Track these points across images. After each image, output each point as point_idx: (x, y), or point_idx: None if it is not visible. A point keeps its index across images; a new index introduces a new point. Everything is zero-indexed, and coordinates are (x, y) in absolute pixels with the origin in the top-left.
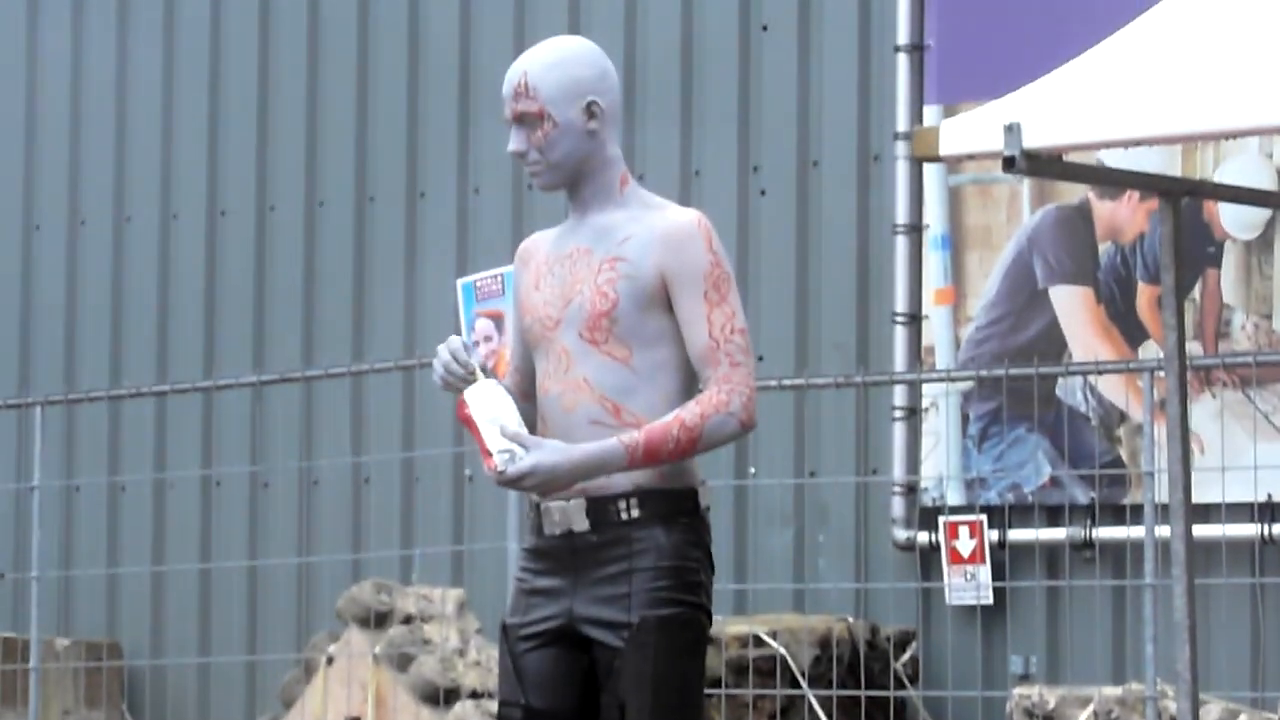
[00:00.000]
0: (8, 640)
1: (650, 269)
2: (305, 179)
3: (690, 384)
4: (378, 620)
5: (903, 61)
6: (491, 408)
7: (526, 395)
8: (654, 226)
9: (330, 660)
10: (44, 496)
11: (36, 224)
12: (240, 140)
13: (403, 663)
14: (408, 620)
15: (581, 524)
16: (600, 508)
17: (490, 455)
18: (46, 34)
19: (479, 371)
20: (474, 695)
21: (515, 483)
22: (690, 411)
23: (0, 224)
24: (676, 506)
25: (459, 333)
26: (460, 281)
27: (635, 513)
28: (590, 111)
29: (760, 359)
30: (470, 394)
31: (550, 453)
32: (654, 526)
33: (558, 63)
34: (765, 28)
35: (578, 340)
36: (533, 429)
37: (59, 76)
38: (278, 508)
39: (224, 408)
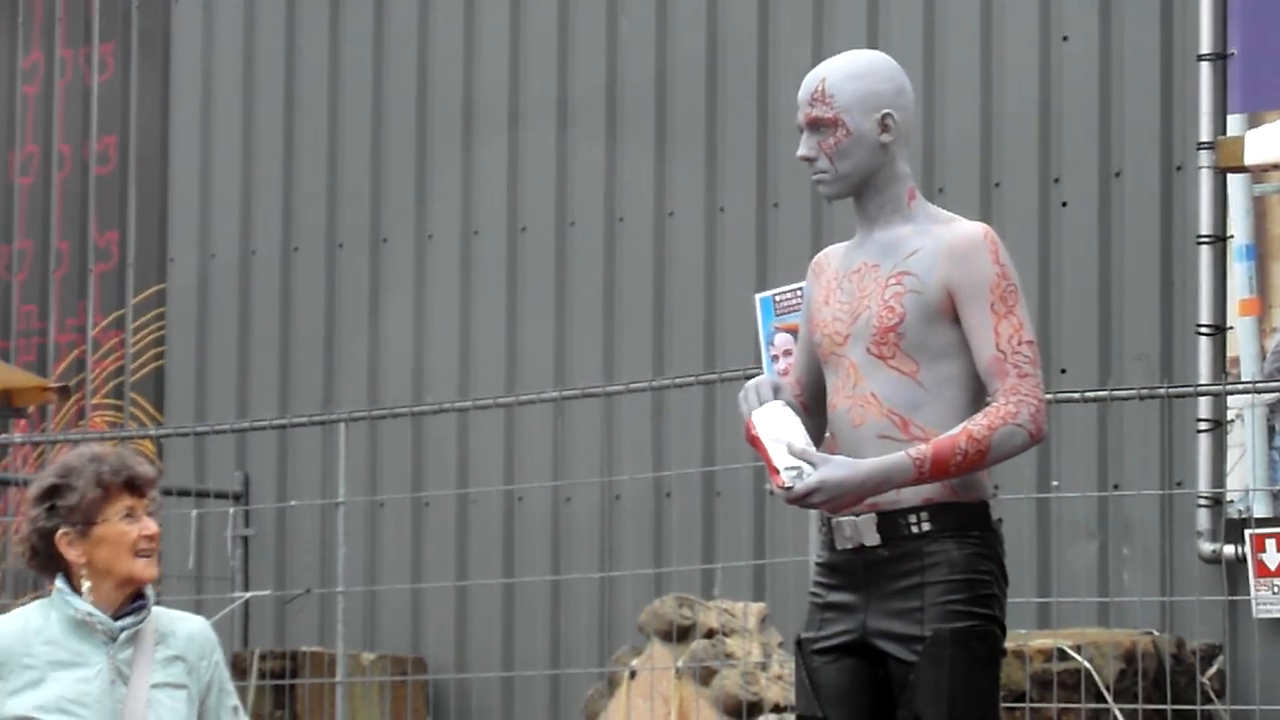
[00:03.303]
0: (315, 655)
1: (937, 282)
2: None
3: (979, 397)
4: (680, 634)
5: (1205, 70)
6: (777, 427)
7: (806, 407)
8: (941, 239)
9: (633, 674)
10: (349, 512)
11: (339, 242)
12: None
13: (705, 676)
14: (710, 634)
15: (872, 538)
16: (891, 522)
17: (778, 473)
18: None
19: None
20: (776, 709)
21: (803, 499)
22: (978, 424)
23: (305, 244)
24: (967, 520)
25: (757, 347)
26: (759, 296)
27: (926, 526)
28: (884, 124)
29: (1063, 371)
30: (757, 415)
31: (837, 468)
32: (945, 540)
33: (857, 73)
34: (1066, 38)
35: (865, 355)
36: (817, 443)
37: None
38: (580, 523)
39: (526, 423)
